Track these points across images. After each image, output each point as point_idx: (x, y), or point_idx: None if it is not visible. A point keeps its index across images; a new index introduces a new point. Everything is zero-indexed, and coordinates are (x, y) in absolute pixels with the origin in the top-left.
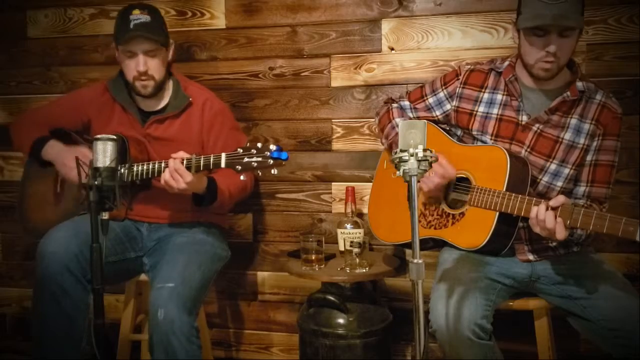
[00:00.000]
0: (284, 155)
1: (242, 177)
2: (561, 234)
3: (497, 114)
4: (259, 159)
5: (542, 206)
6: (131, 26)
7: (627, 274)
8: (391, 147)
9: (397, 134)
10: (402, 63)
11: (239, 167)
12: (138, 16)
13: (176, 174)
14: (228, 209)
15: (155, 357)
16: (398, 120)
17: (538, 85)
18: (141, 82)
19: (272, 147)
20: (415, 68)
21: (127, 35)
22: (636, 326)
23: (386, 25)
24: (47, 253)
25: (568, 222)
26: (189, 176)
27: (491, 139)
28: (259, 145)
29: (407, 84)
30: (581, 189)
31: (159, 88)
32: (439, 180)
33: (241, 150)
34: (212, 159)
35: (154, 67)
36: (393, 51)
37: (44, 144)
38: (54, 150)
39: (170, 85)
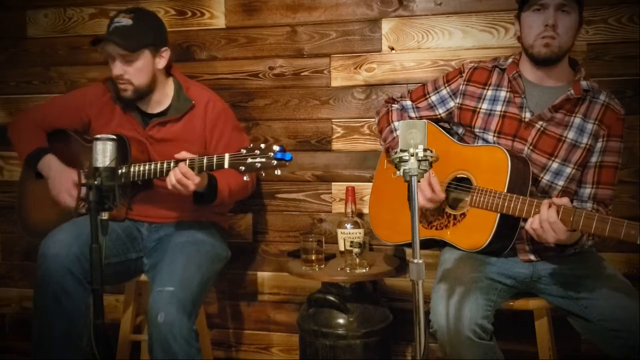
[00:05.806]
0: (287, 156)
1: (245, 178)
2: (561, 231)
3: (501, 111)
4: (263, 159)
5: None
6: (110, 29)
7: (627, 274)
8: (388, 151)
9: (394, 138)
10: (402, 63)
11: (243, 168)
12: (120, 20)
13: (185, 178)
14: (229, 208)
15: (155, 359)
16: (396, 124)
17: (541, 80)
18: (120, 84)
19: (276, 147)
20: (415, 68)
21: (102, 38)
22: (636, 326)
23: (386, 25)
24: (49, 255)
25: (570, 224)
26: (197, 178)
27: (494, 136)
28: (262, 145)
29: (407, 84)
30: (587, 190)
31: (143, 93)
32: (423, 203)
33: (244, 151)
34: (215, 160)
35: (132, 72)
36: (393, 51)
37: (40, 157)
38: (49, 169)
39: (171, 86)
